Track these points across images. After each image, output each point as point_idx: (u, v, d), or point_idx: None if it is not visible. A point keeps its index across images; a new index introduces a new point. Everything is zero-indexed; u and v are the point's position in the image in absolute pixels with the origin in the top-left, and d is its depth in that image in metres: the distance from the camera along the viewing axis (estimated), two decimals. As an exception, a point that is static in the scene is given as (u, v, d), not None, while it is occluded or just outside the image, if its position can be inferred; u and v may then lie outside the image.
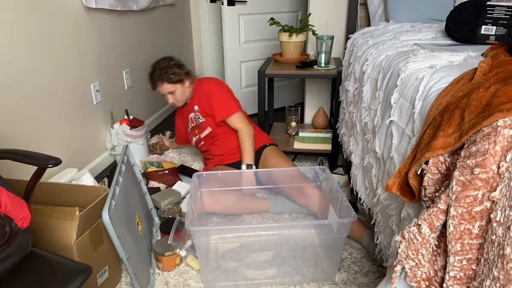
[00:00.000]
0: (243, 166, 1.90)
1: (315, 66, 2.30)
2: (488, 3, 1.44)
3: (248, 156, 1.91)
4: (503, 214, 0.64)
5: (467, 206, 0.68)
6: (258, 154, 2.01)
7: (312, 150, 2.37)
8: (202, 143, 2.09)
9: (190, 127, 2.10)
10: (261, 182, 1.87)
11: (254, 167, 1.90)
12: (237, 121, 1.95)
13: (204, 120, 2.02)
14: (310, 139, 2.41)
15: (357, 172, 1.59)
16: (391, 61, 1.34)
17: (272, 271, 1.47)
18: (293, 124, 2.69)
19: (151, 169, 2.22)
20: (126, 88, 2.68)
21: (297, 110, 2.69)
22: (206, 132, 2.04)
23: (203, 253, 1.39)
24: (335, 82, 2.25)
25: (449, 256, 0.71)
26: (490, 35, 1.42)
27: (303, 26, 2.41)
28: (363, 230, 1.60)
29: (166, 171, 2.17)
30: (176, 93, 1.95)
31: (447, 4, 1.99)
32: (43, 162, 1.06)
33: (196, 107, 2.03)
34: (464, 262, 0.70)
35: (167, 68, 1.91)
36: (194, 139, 2.12)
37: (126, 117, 2.46)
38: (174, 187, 2.05)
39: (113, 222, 1.18)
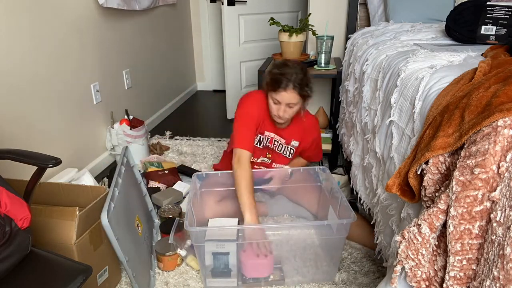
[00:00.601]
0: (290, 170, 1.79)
1: (315, 66, 2.30)
2: (488, 3, 1.44)
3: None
4: (503, 214, 0.64)
5: (467, 206, 0.68)
6: None
7: (312, 150, 2.36)
8: (262, 168, 1.84)
9: (263, 145, 1.78)
10: (262, 183, 1.87)
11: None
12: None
13: (291, 158, 1.83)
14: (310, 139, 2.41)
15: (357, 172, 1.58)
16: (391, 61, 1.34)
17: (274, 270, 1.47)
18: (293, 124, 2.68)
19: (151, 169, 2.22)
20: (126, 88, 2.68)
21: (297, 110, 2.68)
22: (280, 165, 1.84)
23: (202, 253, 1.39)
24: (335, 82, 2.25)
25: (449, 256, 0.71)
26: (490, 35, 1.42)
27: (303, 26, 2.41)
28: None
29: (166, 171, 2.17)
30: (294, 109, 1.60)
31: (447, 4, 1.99)
32: (43, 162, 1.06)
33: (295, 143, 1.79)
34: (464, 262, 0.70)
35: (309, 78, 1.58)
36: (261, 159, 1.82)
37: (126, 117, 2.46)
38: (174, 187, 2.05)
39: (112, 224, 1.18)
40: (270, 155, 1.82)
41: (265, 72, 1.66)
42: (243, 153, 1.58)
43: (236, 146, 1.60)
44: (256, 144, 1.77)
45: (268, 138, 1.77)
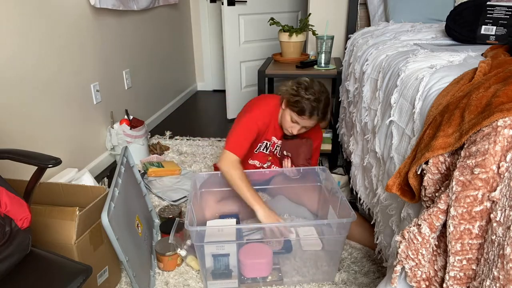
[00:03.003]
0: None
1: (315, 66, 2.30)
2: (488, 3, 1.44)
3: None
4: (503, 214, 0.64)
5: (467, 206, 0.68)
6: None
7: (312, 150, 2.36)
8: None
9: (269, 150, 1.82)
10: (262, 182, 1.87)
11: None
12: None
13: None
14: (310, 139, 2.41)
15: (357, 172, 1.59)
16: (391, 61, 1.34)
17: (272, 271, 1.47)
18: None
19: (151, 169, 2.22)
20: (126, 88, 2.68)
21: (297, 110, 2.68)
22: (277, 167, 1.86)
23: (202, 254, 1.39)
24: (335, 82, 2.25)
25: (449, 256, 0.71)
26: (490, 35, 1.42)
27: (303, 26, 2.41)
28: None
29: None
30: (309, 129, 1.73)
31: (447, 4, 1.99)
32: (43, 162, 1.06)
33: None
34: (464, 262, 0.70)
35: (331, 105, 1.67)
36: (266, 164, 1.86)
37: (126, 117, 2.46)
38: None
39: (112, 224, 1.18)
40: (270, 158, 1.85)
41: (287, 86, 1.64)
42: (235, 158, 1.56)
43: (229, 149, 1.57)
44: (263, 150, 1.81)
45: (271, 143, 1.81)
